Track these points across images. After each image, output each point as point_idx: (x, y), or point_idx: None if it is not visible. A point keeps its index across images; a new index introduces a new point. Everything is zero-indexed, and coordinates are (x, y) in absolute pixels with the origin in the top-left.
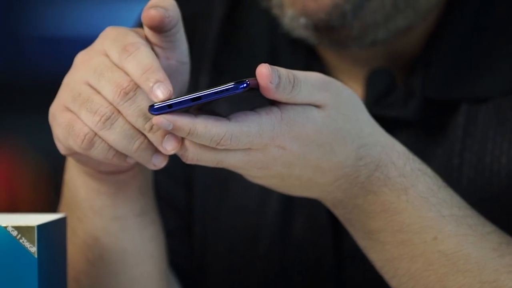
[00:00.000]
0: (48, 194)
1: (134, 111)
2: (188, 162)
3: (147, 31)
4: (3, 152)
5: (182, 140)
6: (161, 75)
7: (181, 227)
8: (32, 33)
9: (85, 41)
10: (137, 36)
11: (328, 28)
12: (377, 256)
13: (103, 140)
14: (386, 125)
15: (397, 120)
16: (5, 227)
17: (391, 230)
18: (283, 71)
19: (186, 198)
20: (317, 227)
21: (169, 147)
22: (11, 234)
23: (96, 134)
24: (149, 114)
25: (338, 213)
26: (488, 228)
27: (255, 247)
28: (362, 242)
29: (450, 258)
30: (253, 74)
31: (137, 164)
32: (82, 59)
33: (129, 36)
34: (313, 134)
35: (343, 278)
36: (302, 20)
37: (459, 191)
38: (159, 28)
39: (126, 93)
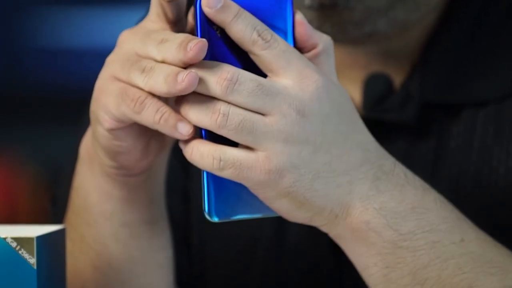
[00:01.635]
0: (48, 205)
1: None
2: (225, 84)
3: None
4: (3, 163)
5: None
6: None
7: (179, 238)
8: (32, 44)
9: (86, 53)
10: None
11: (332, 6)
12: (407, 269)
13: (152, 102)
14: (384, 130)
15: (395, 125)
16: (4, 239)
17: (422, 231)
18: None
19: (183, 209)
20: (315, 233)
21: (184, 129)
22: (10, 246)
23: (146, 97)
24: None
25: (364, 228)
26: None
27: (253, 255)
28: (390, 258)
29: (477, 261)
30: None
31: (149, 169)
32: (125, 37)
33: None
34: (341, 96)
35: (342, 285)
36: (307, 1)
37: (456, 201)
38: None
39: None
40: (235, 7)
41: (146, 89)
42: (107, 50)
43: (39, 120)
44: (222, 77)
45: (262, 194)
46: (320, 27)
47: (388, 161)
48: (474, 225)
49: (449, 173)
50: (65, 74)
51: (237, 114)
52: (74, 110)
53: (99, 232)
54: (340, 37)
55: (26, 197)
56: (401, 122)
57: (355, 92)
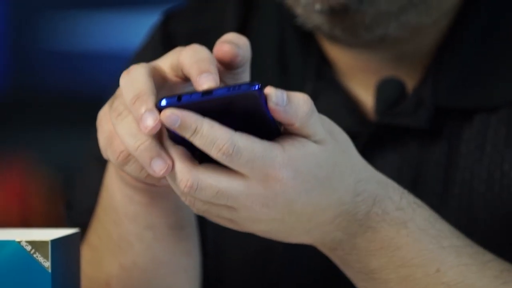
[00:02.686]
0: (61, 208)
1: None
2: (186, 191)
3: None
4: (16, 166)
5: (172, 166)
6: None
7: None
8: (45, 47)
9: (99, 56)
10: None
11: (343, 11)
12: None
13: (136, 160)
14: (396, 134)
15: (407, 129)
16: (19, 242)
17: (393, 267)
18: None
19: (197, 217)
20: None
21: (157, 168)
22: (25, 249)
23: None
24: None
25: (337, 255)
26: (488, 256)
27: (269, 259)
28: (363, 284)
29: None
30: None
31: None
32: (125, 74)
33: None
34: (314, 168)
35: None
36: (318, 6)
37: (469, 205)
38: (228, 65)
39: (133, 103)
40: (193, 125)
41: (114, 127)
42: (120, 54)
43: (53, 123)
44: (183, 183)
45: None
46: (331, 31)
47: (365, 205)
48: (468, 245)
49: (462, 177)
50: (79, 78)
51: (201, 204)
52: (88, 113)
53: (125, 231)
54: (352, 41)
55: (39, 201)
56: (414, 126)
57: (368, 97)
